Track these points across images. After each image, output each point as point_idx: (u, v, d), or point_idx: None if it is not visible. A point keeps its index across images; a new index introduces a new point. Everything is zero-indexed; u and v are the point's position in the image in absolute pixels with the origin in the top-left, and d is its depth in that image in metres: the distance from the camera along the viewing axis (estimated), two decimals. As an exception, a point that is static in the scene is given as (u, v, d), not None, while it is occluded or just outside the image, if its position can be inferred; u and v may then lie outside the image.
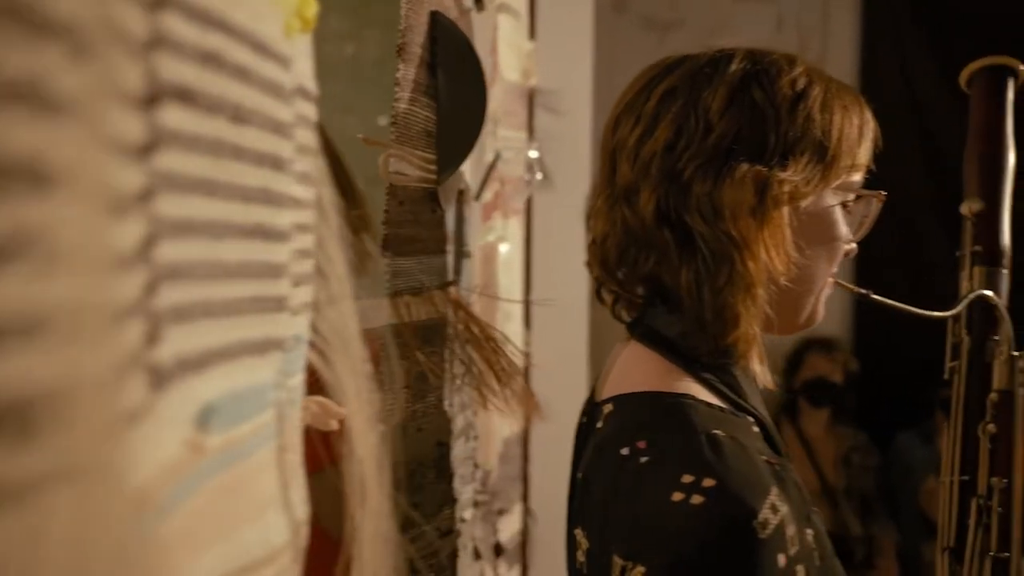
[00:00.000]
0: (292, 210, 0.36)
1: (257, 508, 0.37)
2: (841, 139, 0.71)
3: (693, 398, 0.68)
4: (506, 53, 1.68)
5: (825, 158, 0.70)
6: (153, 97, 0.25)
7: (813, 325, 0.76)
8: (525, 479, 1.74)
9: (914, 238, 3.08)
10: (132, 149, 0.24)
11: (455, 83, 0.76)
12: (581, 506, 0.70)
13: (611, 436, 0.68)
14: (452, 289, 0.90)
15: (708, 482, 0.60)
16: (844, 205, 0.74)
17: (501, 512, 1.37)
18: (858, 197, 0.75)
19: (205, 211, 0.29)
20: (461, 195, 1.00)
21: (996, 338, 0.90)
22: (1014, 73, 0.97)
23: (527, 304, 1.94)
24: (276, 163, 0.34)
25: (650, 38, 3.39)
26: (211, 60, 0.29)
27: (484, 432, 1.34)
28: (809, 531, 0.65)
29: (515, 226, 1.63)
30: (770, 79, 0.70)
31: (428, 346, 0.76)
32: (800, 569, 0.61)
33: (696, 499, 0.60)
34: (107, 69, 0.22)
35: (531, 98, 1.94)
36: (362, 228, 0.81)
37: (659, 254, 0.71)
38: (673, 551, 0.60)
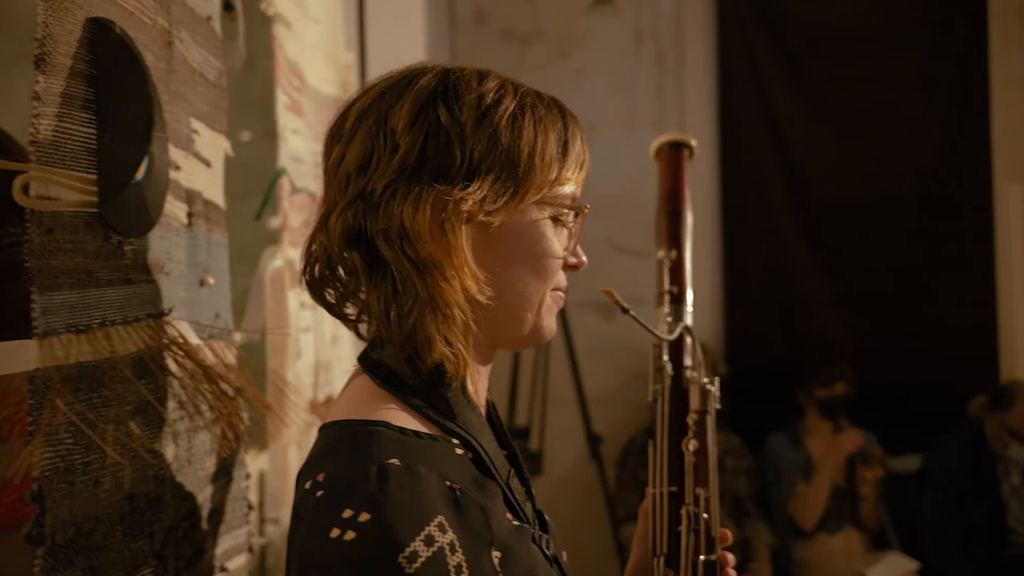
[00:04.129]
0: None
1: None
2: (534, 154, 0.69)
3: (386, 425, 0.66)
4: (318, 64, 1.61)
5: (516, 174, 0.69)
6: None
7: (544, 340, 0.75)
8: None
9: (773, 239, 3.15)
10: None
11: (120, 96, 0.69)
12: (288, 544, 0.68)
13: (304, 468, 0.68)
14: (168, 320, 0.82)
15: (364, 517, 0.60)
16: (556, 220, 0.73)
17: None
18: (575, 212, 0.74)
19: None
20: (194, 218, 0.92)
21: (688, 365, 0.96)
22: (688, 147, 1.10)
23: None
24: None
25: (511, 50, 3.38)
26: None
27: (278, 469, 1.26)
28: (496, 554, 0.64)
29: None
30: (456, 95, 0.69)
31: (102, 388, 0.68)
32: None
33: (349, 535, 0.59)
34: None
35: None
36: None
37: (354, 277, 0.70)
38: None
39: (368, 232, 0.67)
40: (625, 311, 0.79)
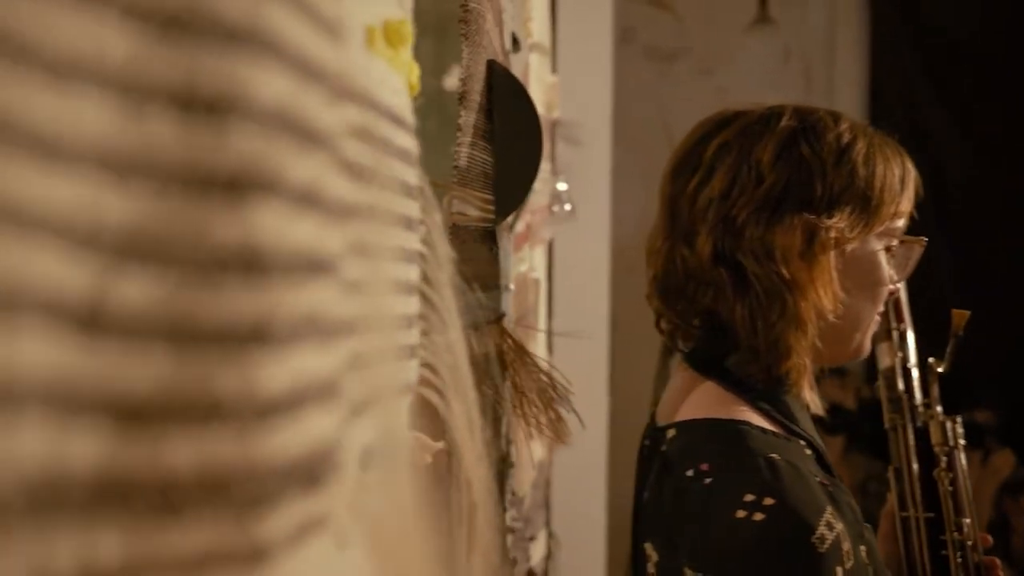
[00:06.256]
0: (418, 264, 0.39)
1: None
2: (883, 189, 0.78)
3: (749, 424, 0.75)
4: (533, 88, 1.73)
5: (869, 207, 0.78)
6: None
7: (860, 358, 0.84)
8: (547, 505, 1.76)
9: (921, 262, 3.11)
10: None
11: (510, 127, 0.80)
12: (649, 522, 0.76)
13: (676, 459, 0.75)
14: (503, 322, 0.93)
15: (768, 500, 0.67)
16: (888, 249, 0.81)
17: (532, 538, 1.39)
18: (901, 242, 0.82)
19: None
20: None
21: (926, 400, 0.97)
22: None
23: (549, 331, 1.97)
24: (409, 224, 0.37)
25: (653, 68, 3.44)
26: (365, 136, 0.32)
27: (520, 459, 1.37)
28: (863, 547, 0.71)
29: (540, 255, 1.67)
30: (816, 135, 0.78)
31: (488, 379, 0.79)
32: None
33: (758, 516, 0.67)
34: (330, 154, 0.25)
35: (553, 130, 1.98)
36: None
37: (716, 290, 0.78)
38: (740, 564, 0.68)
39: (728, 252, 0.77)
40: (956, 336, 0.85)
